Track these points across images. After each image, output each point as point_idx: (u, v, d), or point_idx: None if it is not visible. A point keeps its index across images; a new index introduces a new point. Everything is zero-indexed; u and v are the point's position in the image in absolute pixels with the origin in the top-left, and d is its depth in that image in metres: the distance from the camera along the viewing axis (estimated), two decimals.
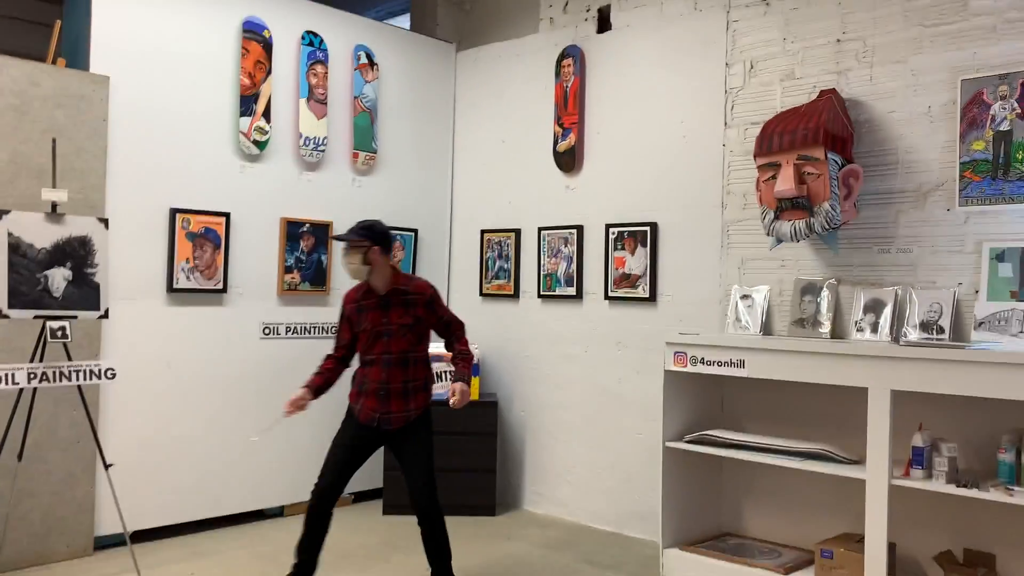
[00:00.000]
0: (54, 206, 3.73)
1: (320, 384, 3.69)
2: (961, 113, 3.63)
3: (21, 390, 3.66)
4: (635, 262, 4.85)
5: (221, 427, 4.84)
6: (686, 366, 3.95)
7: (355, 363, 3.77)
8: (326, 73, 5.25)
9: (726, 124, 4.48)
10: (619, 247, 4.93)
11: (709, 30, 4.59)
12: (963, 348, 3.23)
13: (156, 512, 4.56)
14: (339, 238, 3.71)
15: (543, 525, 5.05)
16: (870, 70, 3.96)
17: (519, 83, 5.60)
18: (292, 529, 3.86)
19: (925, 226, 3.77)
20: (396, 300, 3.62)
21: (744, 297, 4.29)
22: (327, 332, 5.18)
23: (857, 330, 3.87)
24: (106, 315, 3.89)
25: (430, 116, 5.91)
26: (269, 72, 4.97)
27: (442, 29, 6.12)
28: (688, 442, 3.98)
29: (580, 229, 5.18)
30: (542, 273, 5.38)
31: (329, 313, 5.19)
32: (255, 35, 4.90)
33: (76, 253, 3.78)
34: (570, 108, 5.22)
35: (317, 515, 3.59)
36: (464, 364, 3.75)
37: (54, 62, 4.26)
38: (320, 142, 5.21)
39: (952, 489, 3.21)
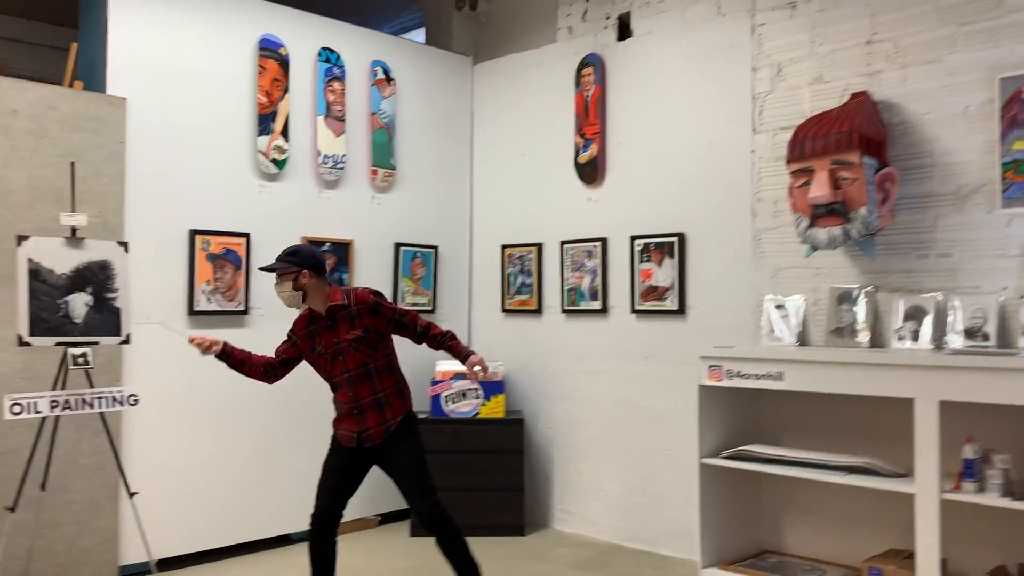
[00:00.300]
0: (74, 230, 3.68)
1: (238, 356, 3.58)
2: (1000, 112, 3.52)
3: (44, 419, 3.59)
4: (662, 274, 4.75)
5: (245, 451, 4.76)
6: (721, 380, 3.83)
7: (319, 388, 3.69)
8: (343, 89, 5.19)
9: (754, 130, 4.38)
10: (645, 259, 4.83)
11: (734, 34, 4.50)
12: (1014, 355, 3.10)
13: (181, 539, 4.48)
14: (265, 269, 3.59)
15: (574, 545, 4.94)
16: (902, 71, 3.85)
17: (538, 94, 5.52)
18: None
19: (965, 230, 3.65)
20: (340, 316, 3.52)
21: (778, 307, 4.18)
22: None
23: (898, 339, 3.75)
24: (127, 340, 3.83)
25: (448, 130, 5.85)
26: (286, 90, 4.91)
27: (458, 42, 6.06)
28: (725, 458, 3.87)
29: (604, 242, 5.08)
30: (566, 287, 5.29)
31: None
32: (272, 53, 4.86)
33: (96, 278, 3.72)
34: (591, 118, 5.14)
35: (318, 542, 3.54)
36: (454, 341, 3.62)
37: (71, 85, 4.22)
38: (339, 159, 5.15)
39: (1007, 503, 3.07)
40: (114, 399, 3.73)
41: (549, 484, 5.36)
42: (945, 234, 3.70)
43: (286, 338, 3.66)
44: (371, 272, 5.34)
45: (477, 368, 3.56)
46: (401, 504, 5.30)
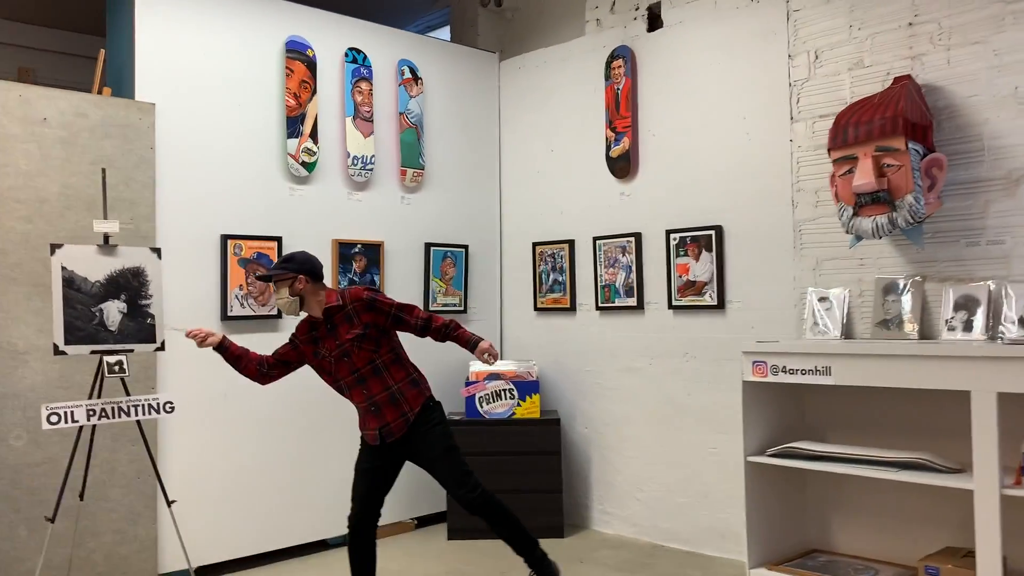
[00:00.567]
0: (106, 238, 3.65)
1: (235, 351, 3.61)
2: None
3: (81, 428, 3.57)
4: (700, 268, 4.65)
5: (281, 456, 4.72)
6: (766, 376, 3.73)
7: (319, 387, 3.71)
8: (371, 90, 5.14)
9: (792, 118, 4.27)
10: (681, 253, 4.74)
11: (768, 21, 4.39)
12: None
13: (219, 546, 4.45)
14: (261, 278, 3.68)
15: (615, 546, 4.85)
16: (947, 53, 3.73)
17: (566, 89, 5.44)
18: None
19: (1018, 215, 3.52)
20: (338, 318, 3.54)
21: (821, 299, 4.06)
22: None
23: (948, 329, 3.62)
24: (162, 347, 3.80)
25: (476, 128, 5.78)
26: (314, 92, 4.87)
27: (483, 39, 5.99)
28: (772, 456, 3.77)
29: (638, 237, 4.99)
30: (599, 284, 5.20)
31: None
32: (299, 55, 4.81)
33: (130, 284, 3.69)
34: (622, 111, 5.05)
35: (357, 544, 3.58)
36: (460, 330, 3.62)
37: (100, 92, 4.21)
38: (368, 160, 5.10)
39: None
40: (150, 406, 3.70)
41: (587, 485, 5.27)
42: (996, 220, 3.57)
43: (288, 340, 3.69)
44: (402, 273, 5.29)
45: (487, 356, 3.56)
46: (438, 507, 5.25)
